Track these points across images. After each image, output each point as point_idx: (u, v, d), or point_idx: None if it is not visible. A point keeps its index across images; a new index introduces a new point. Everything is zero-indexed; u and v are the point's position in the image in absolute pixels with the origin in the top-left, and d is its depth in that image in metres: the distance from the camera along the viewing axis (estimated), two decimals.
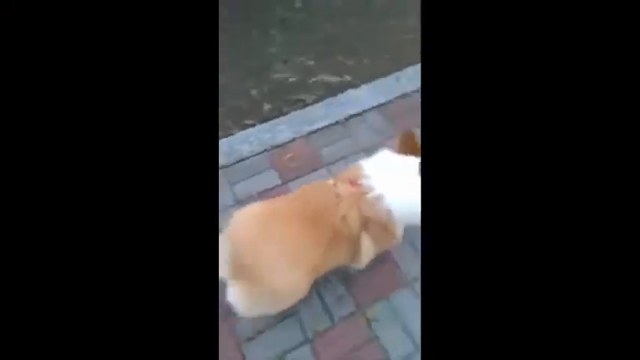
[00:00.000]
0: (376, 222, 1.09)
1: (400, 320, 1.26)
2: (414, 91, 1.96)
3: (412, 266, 1.38)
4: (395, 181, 1.10)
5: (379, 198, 1.07)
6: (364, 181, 1.09)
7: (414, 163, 1.12)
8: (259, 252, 1.00)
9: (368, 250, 1.16)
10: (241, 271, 1.01)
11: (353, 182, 1.09)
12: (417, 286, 1.33)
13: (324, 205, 1.07)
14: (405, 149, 1.17)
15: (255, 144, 1.76)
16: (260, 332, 1.24)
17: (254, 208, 1.08)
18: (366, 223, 1.08)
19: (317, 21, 2.53)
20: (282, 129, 1.82)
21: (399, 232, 1.17)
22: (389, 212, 1.08)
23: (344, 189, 1.09)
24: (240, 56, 2.29)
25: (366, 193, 1.07)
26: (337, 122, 1.85)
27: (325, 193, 1.10)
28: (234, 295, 1.05)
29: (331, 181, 1.15)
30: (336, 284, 1.33)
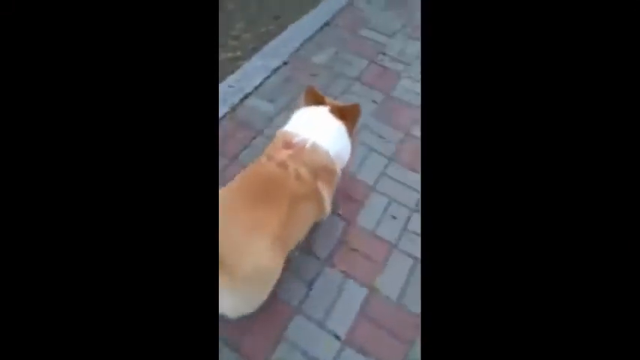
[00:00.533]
0: (323, 167, 1.18)
1: (300, 350, 1.23)
2: None
3: (294, 291, 1.35)
4: (318, 127, 1.23)
5: (315, 145, 1.18)
6: (296, 140, 1.18)
7: (323, 109, 1.29)
8: (225, 241, 0.95)
9: (326, 195, 1.24)
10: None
11: (287, 145, 1.16)
12: (305, 308, 1.31)
13: (271, 176, 1.10)
14: (310, 101, 1.34)
15: None
16: None
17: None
18: (316, 172, 1.16)
19: None
20: None
21: (339, 169, 1.30)
22: (327, 153, 1.20)
23: (283, 155, 1.14)
24: None
25: (304, 146, 1.16)
26: None
27: (267, 167, 1.13)
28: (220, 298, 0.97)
29: (263, 159, 1.18)
30: (225, 355, 1.20)
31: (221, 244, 0.93)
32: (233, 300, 1.03)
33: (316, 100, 1.34)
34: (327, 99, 1.36)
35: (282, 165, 1.11)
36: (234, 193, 1.08)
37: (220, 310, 1.03)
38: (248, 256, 0.98)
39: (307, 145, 1.16)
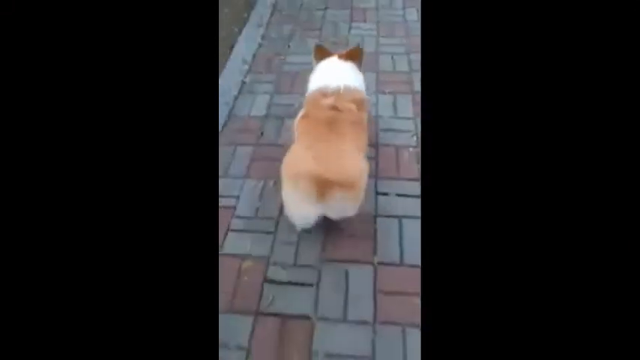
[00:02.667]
0: (360, 99, 1.54)
1: None
2: None
3: None
4: (340, 74, 1.57)
5: (347, 86, 1.51)
6: (330, 89, 1.50)
7: (333, 59, 1.64)
8: (336, 163, 1.30)
9: (366, 123, 1.58)
10: (329, 187, 1.27)
11: (326, 95, 1.48)
12: None
13: (330, 115, 1.42)
14: (320, 57, 1.68)
15: None
16: None
17: (292, 153, 1.41)
18: (358, 105, 1.50)
19: None
20: None
21: (366, 96, 1.64)
22: (356, 89, 1.56)
23: (329, 101, 1.45)
24: None
25: (339, 91, 1.48)
26: None
27: (321, 112, 1.44)
28: (339, 204, 1.33)
29: (310, 112, 1.50)
30: None
31: (337, 170, 1.26)
32: (359, 202, 1.38)
33: (325, 54, 1.68)
34: (332, 52, 1.70)
35: (332, 107, 1.43)
36: (309, 136, 1.41)
37: (346, 214, 1.40)
38: (359, 165, 1.37)
39: (342, 89, 1.48)
